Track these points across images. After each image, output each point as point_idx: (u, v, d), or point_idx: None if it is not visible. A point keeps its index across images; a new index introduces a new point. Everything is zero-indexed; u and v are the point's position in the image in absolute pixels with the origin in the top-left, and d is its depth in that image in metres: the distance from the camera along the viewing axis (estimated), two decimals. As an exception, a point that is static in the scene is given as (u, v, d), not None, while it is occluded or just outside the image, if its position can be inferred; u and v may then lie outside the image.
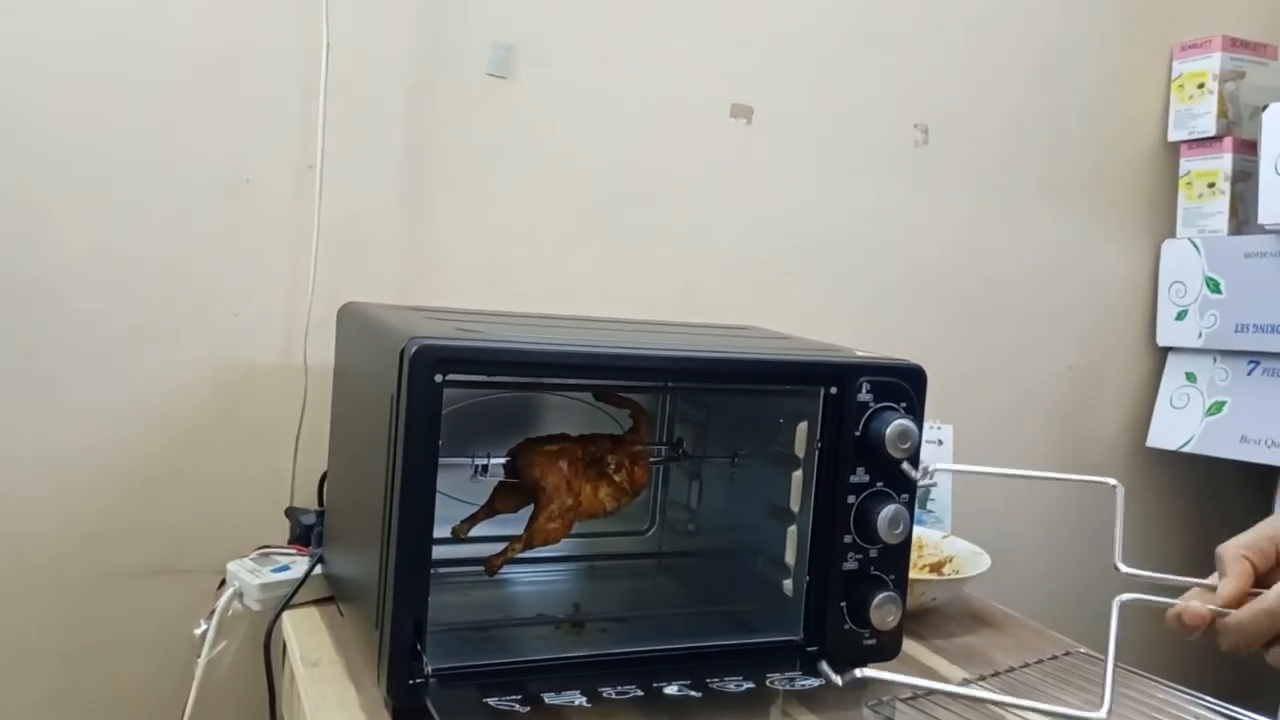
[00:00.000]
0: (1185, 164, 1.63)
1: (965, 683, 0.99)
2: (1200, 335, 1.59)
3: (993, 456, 1.57)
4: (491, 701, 0.78)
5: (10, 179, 1.08)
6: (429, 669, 0.78)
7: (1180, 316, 1.62)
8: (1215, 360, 1.59)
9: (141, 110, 1.12)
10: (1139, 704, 0.96)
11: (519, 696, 0.79)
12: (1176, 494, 1.74)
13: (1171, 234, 1.66)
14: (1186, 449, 1.60)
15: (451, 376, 0.78)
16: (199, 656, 1.04)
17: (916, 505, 1.34)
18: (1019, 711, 0.92)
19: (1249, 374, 1.54)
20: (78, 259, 1.11)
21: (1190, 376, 1.62)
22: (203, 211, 1.15)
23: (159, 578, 1.16)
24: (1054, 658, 1.06)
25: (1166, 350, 1.67)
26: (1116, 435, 1.70)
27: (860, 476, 0.90)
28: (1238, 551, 0.75)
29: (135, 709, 1.15)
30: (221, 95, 1.15)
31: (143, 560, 1.15)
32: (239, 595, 1.04)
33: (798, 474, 0.93)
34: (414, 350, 0.77)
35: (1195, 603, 0.73)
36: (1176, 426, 1.62)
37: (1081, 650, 1.08)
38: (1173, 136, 1.65)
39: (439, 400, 0.78)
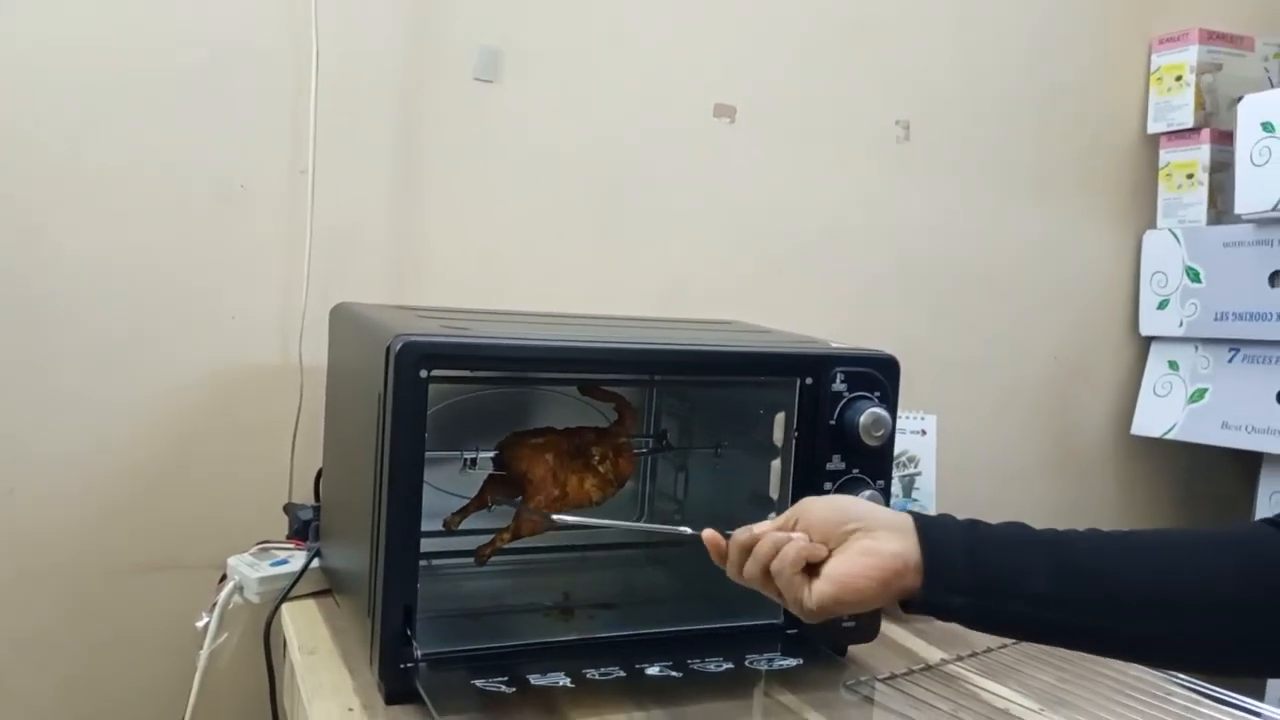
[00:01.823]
0: (1165, 155, 1.65)
1: (944, 663, 1.02)
2: (1182, 324, 1.61)
3: (978, 446, 1.59)
4: (479, 684, 0.81)
5: (7, 191, 1.11)
6: (418, 653, 0.82)
7: (1162, 306, 1.64)
8: (1197, 348, 1.61)
9: (135, 119, 1.15)
10: (1115, 681, 0.98)
11: (505, 678, 0.82)
12: (1161, 481, 1.76)
13: (1153, 225, 1.67)
14: (1170, 436, 1.62)
15: (436, 372, 0.81)
16: (201, 649, 1.07)
17: (903, 494, 1.37)
18: (995, 691, 0.96)
19: (1229, 361, 1.56)
20: (78, 267, 1.14)
21: (1173, 365, 1.64)
22: (200, 218, 1.18)
23: (163, 573, 1.19)
24: (1032, 639, 1.08)
25: (1149, 339, 1.69)
26: (1102, 424, 1.72)
27: (836, 464, 0.94)
28: (802, 504, 0.75)
29: (144, 700, 1.18)
30: (213, 103, 1.18)
31: (147, 557, 1.18)
32: (239, 589, 1.07)
33: (777, 463, 0.96)
34: (399, 347, 0.80)
35: (713, 531, 0.77)
36: (1160, 414, 1.65)
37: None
38: (1152, 129, 1.67)
39: (424, 395, 0.81)
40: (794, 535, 0.71)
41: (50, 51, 1.12)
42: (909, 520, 0.70)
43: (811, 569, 0.71)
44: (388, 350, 0.81)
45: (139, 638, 1.18)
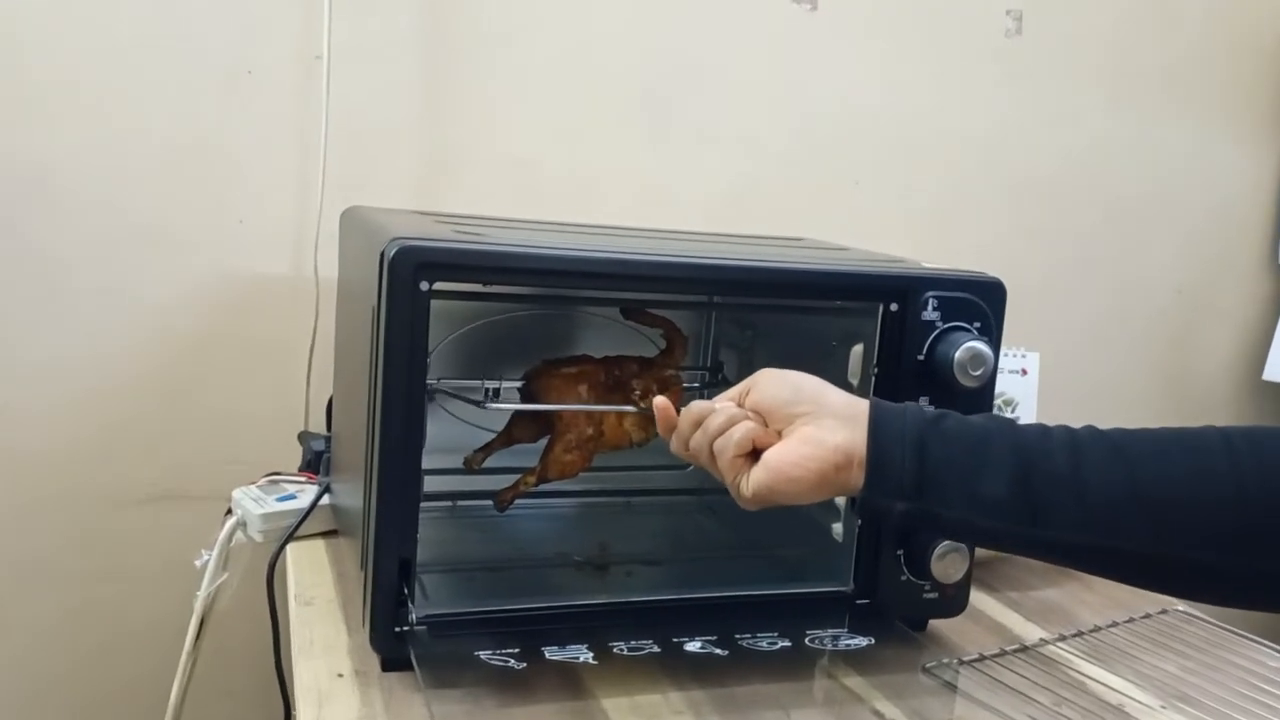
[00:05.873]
0: (1322, 58, 1.43)
1: (1042, 643, 0.87)
2: (1331, 254, 1.41)
3: (1085, 388, 1.45)
4: (484, 655, 0.69)
5: (3, 67, 1.01)
6: (414, 616, 0.70)
7: (1308, 233, 1.45)
8: (1348, 283, 1.41)
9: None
10: (1247, 672, 0.86)
11: (515, 650, 0.70)
12: (1294, 433, 1.58)
13: (1301, 139, 1.49)
14: (1309, 383, 1.45)
15: (441, 285, 0.69)
16: (199, 590, 0.97)
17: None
18: (1104, 680, 0.81)
19: (1388, 298, 1.36)
20: (72, 153, 1.03)
21: (1317, 301, 1.45)
22: (201, 106, 1.06)
23: (167, 503, 1.10)
24: (1147, 616, 0.96)
25: (1290, 271, 1.54)
26: (1228, 366, 1.57)
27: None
28: (758, 375, 0.68)
29: (144, 640, 1.11)
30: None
31: (150, 482, 1.10)
32: (242, 525, 0.97)
33: (851, 403, 0.81)
34: (394, 253, 0.67)
35: (664, 400, 0.71)
36: (1298, 357, 1.47)
37: (1179, 608, 0.97)
38: (1308, 27, 1.45)
39: (425, 311, 0.69)
40: (748, 414, 0.66)
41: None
42: (864, 409, 0.63)
43: (757, 453, 0.65)
44: (381, 256, 0.67)
45: (145, 570, 1.10)
